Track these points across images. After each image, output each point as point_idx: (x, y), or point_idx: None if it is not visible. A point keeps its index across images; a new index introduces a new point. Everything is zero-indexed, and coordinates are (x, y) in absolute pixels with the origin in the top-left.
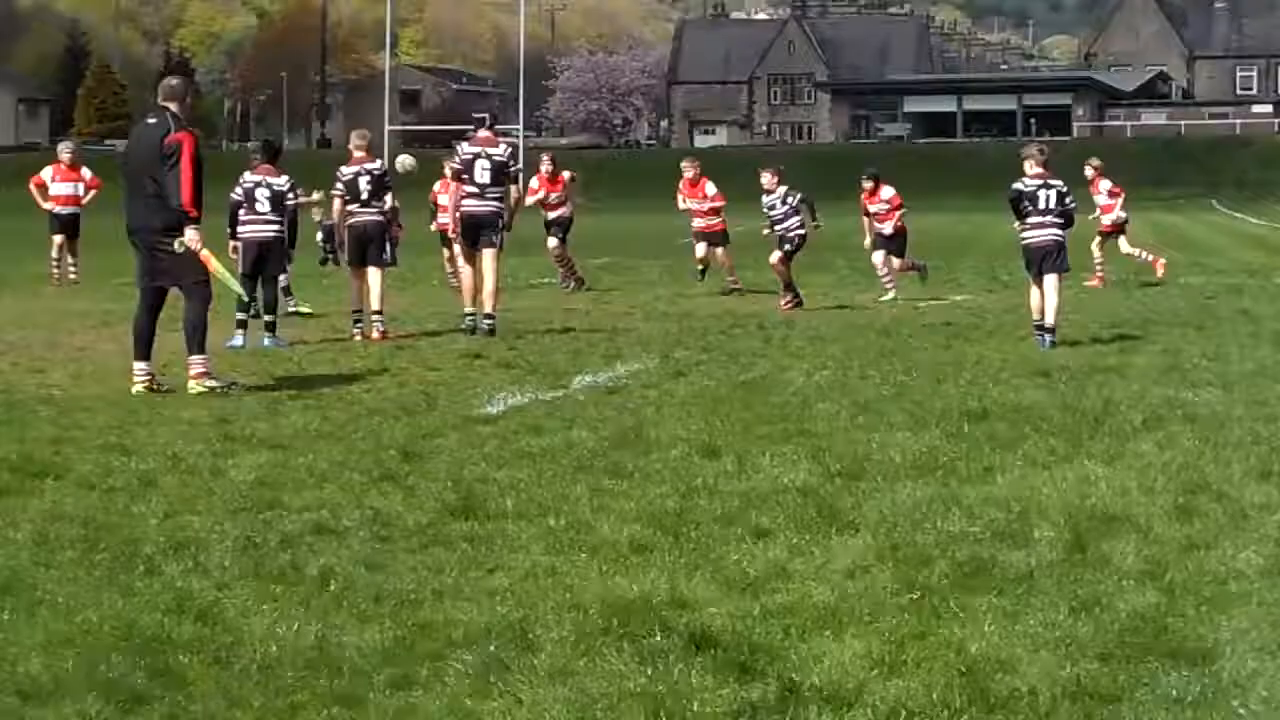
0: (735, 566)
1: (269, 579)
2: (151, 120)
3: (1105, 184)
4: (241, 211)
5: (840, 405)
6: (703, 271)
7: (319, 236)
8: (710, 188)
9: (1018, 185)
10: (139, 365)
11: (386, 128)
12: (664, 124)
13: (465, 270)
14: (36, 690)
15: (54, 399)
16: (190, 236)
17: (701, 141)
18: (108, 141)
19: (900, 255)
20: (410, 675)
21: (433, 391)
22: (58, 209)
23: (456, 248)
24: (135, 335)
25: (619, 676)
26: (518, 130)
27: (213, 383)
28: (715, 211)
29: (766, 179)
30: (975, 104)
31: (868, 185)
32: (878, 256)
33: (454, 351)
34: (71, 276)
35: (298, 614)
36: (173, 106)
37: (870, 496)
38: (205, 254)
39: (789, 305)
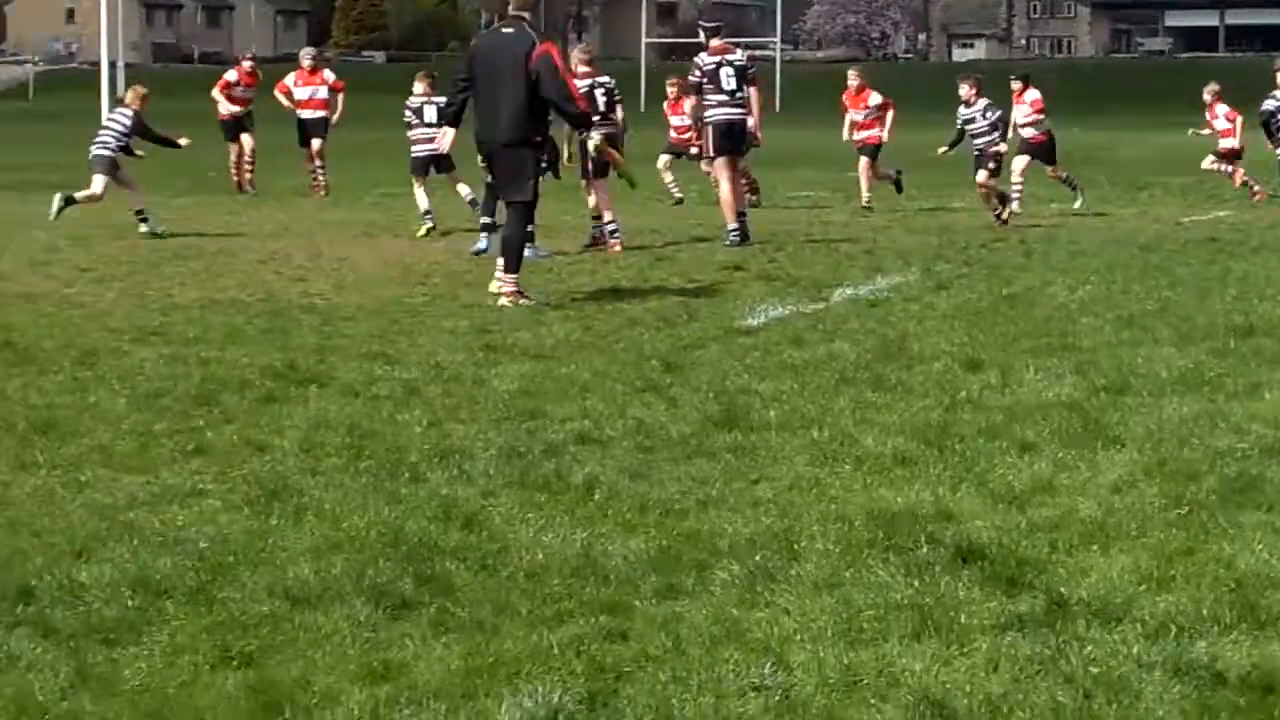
0: (1000, 480)
1: (534, 487)
2: (508, 30)
3: (1222, 109)
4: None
5: (1104, 320)
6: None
7: None
8: (875, 98)
9: (1268, 104)
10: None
11: (643, 40)
12: (922, 37)
13: (724, 182)
14: (306, 594)
15: (316, 307)
16: (597, 137)
17: (959, 55)
18: (365, 53)
19: (1051, 163)
20: (676, 584)
21: (693, 303)
22: (301, 113)
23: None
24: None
25: (885, 588)
26: (775, 43)
27: (525, 301)
28: (877, 122)
29: (965, 90)
30: (1239, 18)
31: (1016, 86)
32: (1019, 163)
33: (714, 263)
34: (320, 180)
35: (563, 522)
36: (527, 15)
37: (1136, 412)
38: (612, 152)
39: (1003, 220)
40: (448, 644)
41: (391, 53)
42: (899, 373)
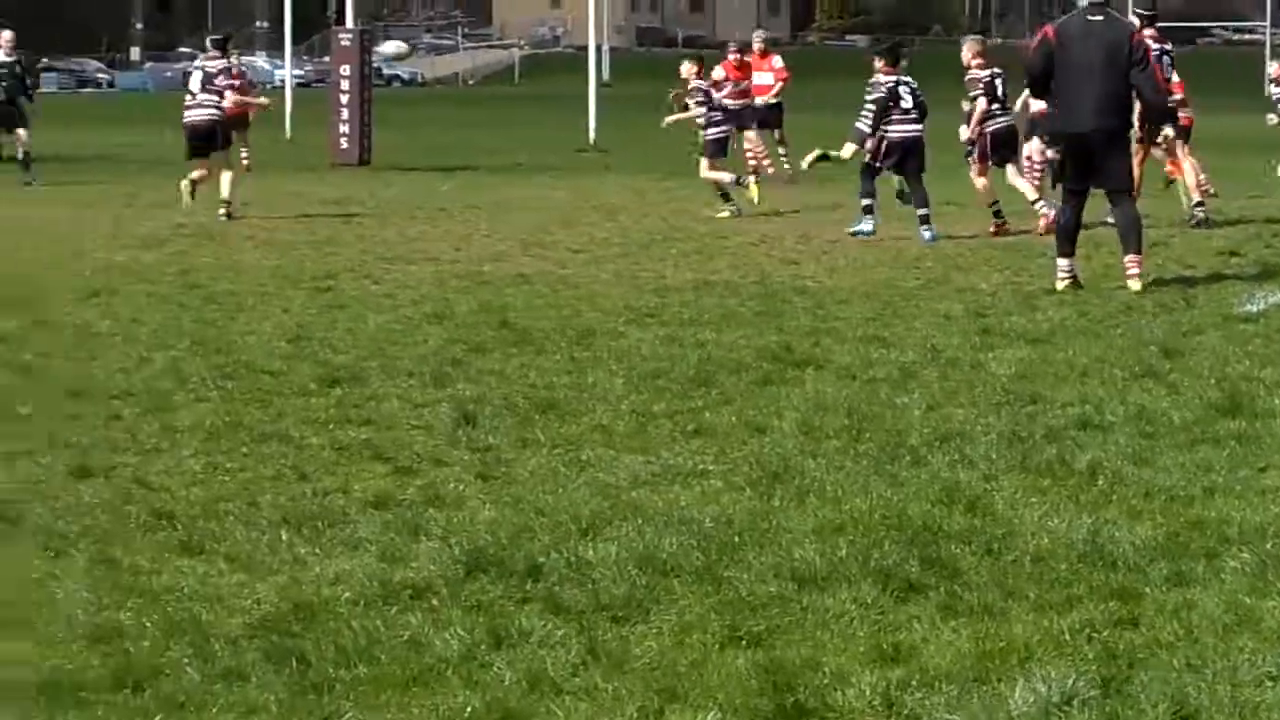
0: None
1: (1036, 472)
2: (1098, 18)
3: None
4: (891, 110)
5: None
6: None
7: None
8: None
9: None
10: (1063, 262)
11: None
12: None
13: (1188, 160)
14: (811, 575)
15: (809, 290)
16: (1171, 131)
17: None
18: (848, 37)
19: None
20: (1185, 572)
21: (1190, 289)
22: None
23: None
24: (1061, 233)
25: None
26: (1264, 27)
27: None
28: (1180, 104)
29: (1273, 69)
30: None
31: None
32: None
33: (1209, 249)
34: (775, 169)
35: (1068, 508)
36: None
37: None
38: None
39: None
40: (956, 627)
41: (875, 37)
42: None
